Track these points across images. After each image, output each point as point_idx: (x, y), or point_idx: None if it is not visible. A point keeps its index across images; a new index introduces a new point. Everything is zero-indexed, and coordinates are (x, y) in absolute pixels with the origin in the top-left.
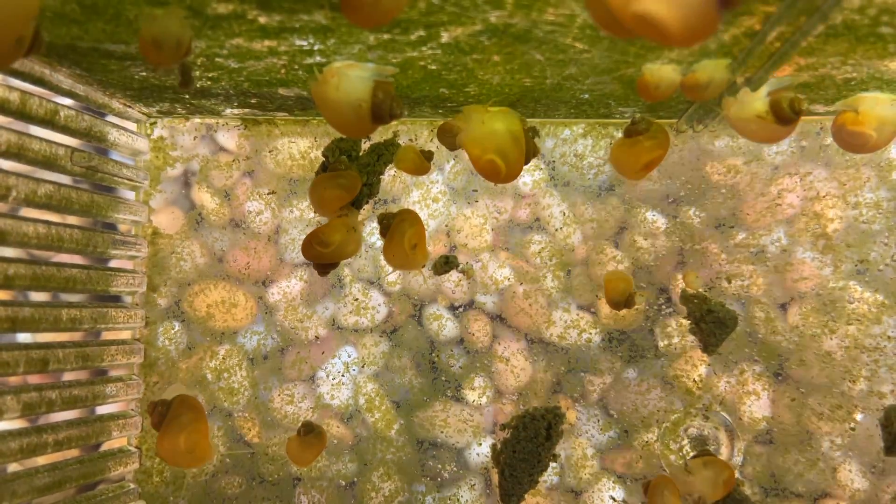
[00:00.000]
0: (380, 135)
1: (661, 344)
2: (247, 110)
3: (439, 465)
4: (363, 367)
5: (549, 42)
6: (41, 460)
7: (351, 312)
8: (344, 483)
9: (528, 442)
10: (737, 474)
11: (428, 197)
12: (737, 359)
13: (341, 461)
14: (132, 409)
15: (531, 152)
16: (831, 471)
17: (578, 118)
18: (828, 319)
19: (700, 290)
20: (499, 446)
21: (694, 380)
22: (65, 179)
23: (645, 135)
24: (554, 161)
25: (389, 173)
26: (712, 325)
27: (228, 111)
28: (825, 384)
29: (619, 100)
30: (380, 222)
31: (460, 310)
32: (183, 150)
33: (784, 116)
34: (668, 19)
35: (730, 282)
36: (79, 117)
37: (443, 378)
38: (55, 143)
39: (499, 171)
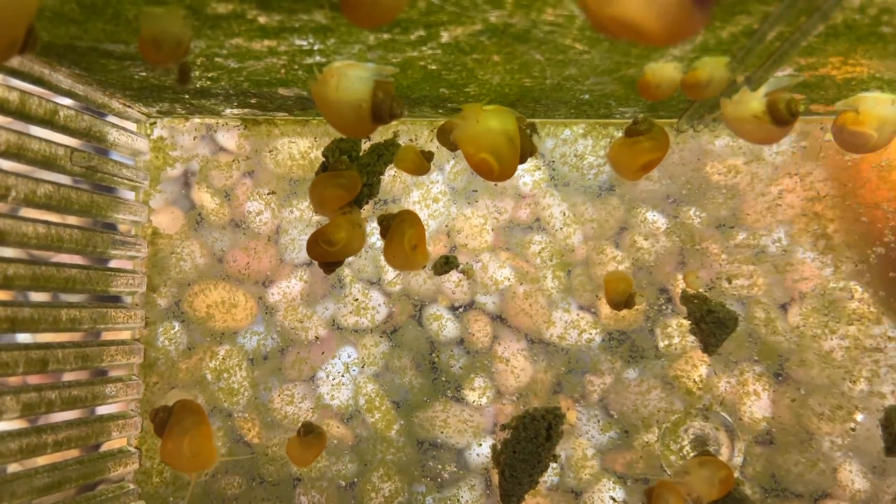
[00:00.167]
0: (380, 135)
1: (661, 344)
2: (247, 110)
3: (439, 466)
4: (363, 367)
5: (549, 42)
6: (41, 461)
7: (351, 313)
8: (344, 483)
9: (529, 442)
10: (737, 474)
11: (428, 197)
12: (737, 359)
13: (342, 461)
14: (132, 410)
15: (528, 150)
16: (832, 471)
17: (579, 118)
18: (828, 320)
19: (700, 290)
20: (499, 447)
21: (694, 380)
22: (64, 179)
23: (645, 135)
24: (554, 161)
25: (390, 173)
26: (712, 325)
27: (228, 111)
28: (826, 384)
29: (619, 100)
30: (380, 223)
31: (461, 310)
32: (183, 151)
33: (780, 118)
34: (644, 21)
35: (730, 282)
36: (78, 117)
37: (443, 378)
38: (55, 143)
39: (492, 170)
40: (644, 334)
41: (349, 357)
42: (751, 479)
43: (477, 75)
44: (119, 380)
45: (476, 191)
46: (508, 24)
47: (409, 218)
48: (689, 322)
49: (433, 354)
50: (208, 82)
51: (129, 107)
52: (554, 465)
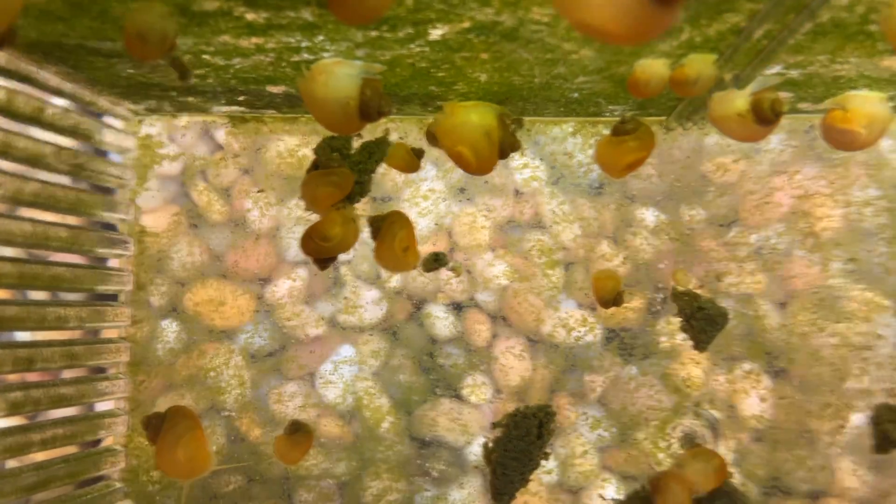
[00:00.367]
0: (371, 133)
1: (660, 342)
2: (235, 108)
3: (438, 464)
4: (361, 365)
5: (537, 42)
6: (26, 459)
7: (349, 311)
8: (342, 481)
9: (520, 440)
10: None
11: (422, 195)
12: (732, 357)
13: (339, 460)
14: (119, 408)
15: (510, 145)
16: (831, 470)
17: (568, 116)
18: (818, 317)
19: (690, 287)
20: (490, 445)
21: (693, 378)
22: (51, 177)
23: (631, 135)
24: (545, 159)
25: (380, 172)
26: (703, 322)
27: (216, 109)
28: (820, 382)
29: (609, 98)
30: (370, 224)
31: (459, 309)
32: (171, 148)
33: (764, 117)
34: (607, 25)
35: (720, 279)
36: (65, 115)
37: (441, 377)
38: (41, 140)
39: (468, 162)
40: (643, 332)
41: (347, 355)
42: (749, 477)
43: (466, 73)
44: (106, 378)
45: (464, 189)
46: (496, 23)
47: (400, 219)
48: (680, 319)
49: (431, 353)
50: (196, 80)
51: (117, 104)
52: (545, 462)
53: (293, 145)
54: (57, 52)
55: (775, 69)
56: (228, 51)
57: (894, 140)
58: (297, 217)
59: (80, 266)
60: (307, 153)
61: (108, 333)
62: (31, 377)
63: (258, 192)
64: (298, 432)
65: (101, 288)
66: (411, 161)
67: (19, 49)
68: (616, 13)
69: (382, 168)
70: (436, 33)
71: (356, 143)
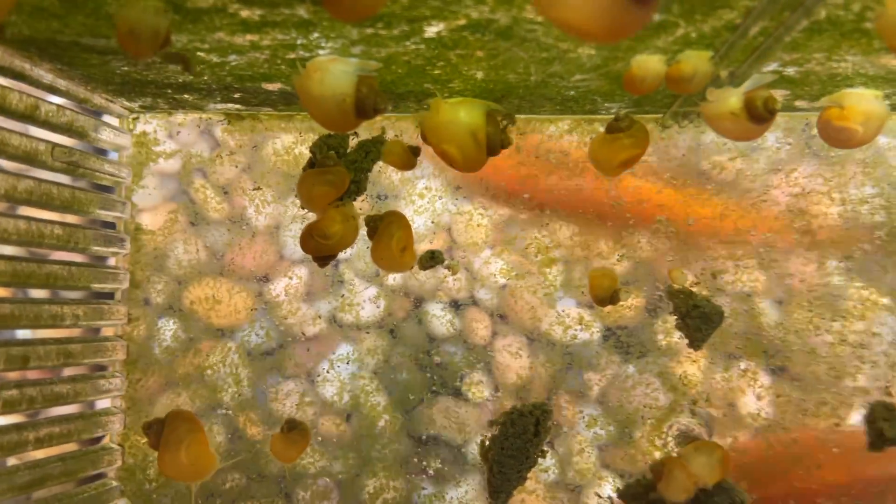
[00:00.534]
0: (368, 132)
1: (659, 340)
2: (231, 105)
3: (435, 462)
4: (361, 363)
5: (532, 40)
6: (21, 458)
7: (349, 309)
8: (342, 479)
9: (517, 438)
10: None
11: (420, 193)
12: (730, 355)
13: (340, 457)
14: (115, 407)
15: (499, 142)
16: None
17: (564, 114)
18: (814, 315)
19: (686, 285)
20: (487, 443)
21: (690, 376)
22: (46, 175)
23: (626, 132)
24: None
25: (377, 170)
26: (698, 320)
27: (212, 106)
28: (817, 380)
29: (605, 96)
30: (367, 224)
31: (458, 307)
32: (166, 146)
33: (757, 115)
34: (584, 24)
35: (717, 277)
36: (60, 112)
37: (441, 375)
38: (36, 138)
39: (454, 160)
40: (642, 330)
41: (347, 353)
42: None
43: (461, 71)
44: (102, 376)
45: (460, 187)
46: (491, 21)
47: (397, 220)
48: (675, 317)
49: (431, 351)
50: (190, 77)
51: (112, 102)
52: (542, 460)
53: (289, 143)
54: (51, 49)
55: (772, 66)
56: (223, 48)
57: (891, 137)
58: (293, 215)
59: (76, 264)
60: (303, 151)
61: (104, 331)
62: (27, 375)
63: (254, 189)
64: (294, 430)
65: (97, 286)
66: (407, 158)
67: (12, 46)
68: (592, 11)
69: (379, 166)
70: (431, 30)
71: (353, 142)
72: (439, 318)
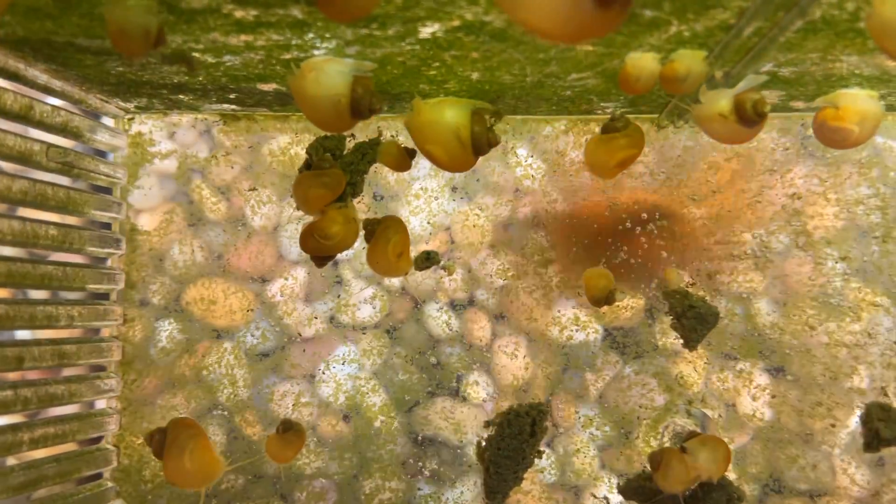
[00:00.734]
0: (365, 134)
1: (658, 340)
2: (226, 106)
3: (432, 463)
4: (361, 364)
5: (527, 42)
6: (17, 458)
7: (348, 309)
8: (339, 480)
9: (513, 439)
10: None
11: (416, 194)
12: (726, 355)
13: (337, 458)
14: (111, 407)
15: (486, 140)
16: (831, 469)
17: (560, 115)
18: (810, 316)
19: (682, 286)
20: (483, 444)
21: (686, 377)
22: (40, 175)
23: (622, 132)
24: (535, 157)
25: (373, 171)
26: (693, 320)
27: (207, 107)
28: (812, 381)
29: (601, 95)
30: (364, 228)
31: (455, 308)
32: (162, 147)
33: (747, 117)
34: (546, 26)
35: (713, 277)
36: (55, 113)
37: (441, 375)
38: (30, 138)
39: (438, 160)
40: (642, 331)
41: (347, 354)
42: (750, 476)
43: (456, 72)
44: (97, 377)
45: (455, 189)
46: (485, 23)
47: (394, 225)
48: (671, 318)
49: (431, 351)
50: (186, 77)
51: (107, 102)
52: (538, 460)
53: (285, 143)
54: (45, 49)
55: (767, 67)
56: (218, 48)
57: (886, 138)
58: (290, 216)
59: (71, 264)
60: (299, 151)
61: (99, 332)
62: (22, 376)
63: (250, 190)
64: (290, 431)
65: (93, 287)
66: (402, 159)
67: (6, 46)
68: (555, 13)
69: (375, 167)
70: (426, 31)
71: (349, 144)
72: (437, 319)
